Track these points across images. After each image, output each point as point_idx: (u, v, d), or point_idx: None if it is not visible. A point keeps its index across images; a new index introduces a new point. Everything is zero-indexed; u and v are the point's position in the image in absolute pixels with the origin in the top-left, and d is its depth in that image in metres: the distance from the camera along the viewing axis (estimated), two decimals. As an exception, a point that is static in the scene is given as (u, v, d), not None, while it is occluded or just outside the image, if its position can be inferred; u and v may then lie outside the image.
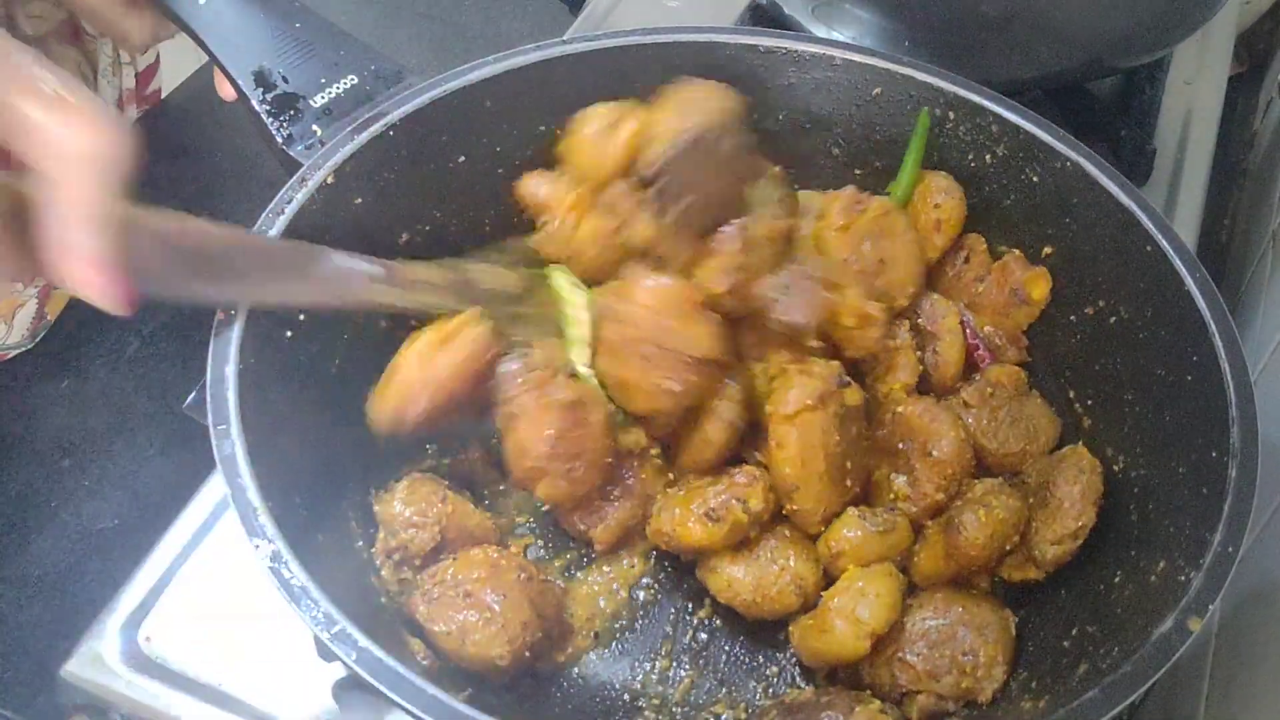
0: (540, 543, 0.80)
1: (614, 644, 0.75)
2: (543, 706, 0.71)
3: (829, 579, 0.72)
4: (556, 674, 0.74)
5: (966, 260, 0.86)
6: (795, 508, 0.72)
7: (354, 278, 0.69)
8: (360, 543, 0.73)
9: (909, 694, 0.68)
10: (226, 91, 0.80)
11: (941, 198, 0.85)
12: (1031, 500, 0.74)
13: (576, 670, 0.74)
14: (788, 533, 0.74)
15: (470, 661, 0.67)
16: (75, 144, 0.51)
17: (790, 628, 0.72)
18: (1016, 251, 0.85)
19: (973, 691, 0.67)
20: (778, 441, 0.71)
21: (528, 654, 0.68)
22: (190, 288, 0.62)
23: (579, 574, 0.78)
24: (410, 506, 0.72)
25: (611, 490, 0.77)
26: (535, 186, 0.81)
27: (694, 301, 0.72)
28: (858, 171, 0.91)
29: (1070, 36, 0.98)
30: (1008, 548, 0.72)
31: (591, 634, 0.75)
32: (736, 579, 0.72)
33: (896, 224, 0.82)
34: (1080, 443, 0.76)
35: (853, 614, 0.67)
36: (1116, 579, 0.69)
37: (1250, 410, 0.65)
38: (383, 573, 0.72)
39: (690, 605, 0.77)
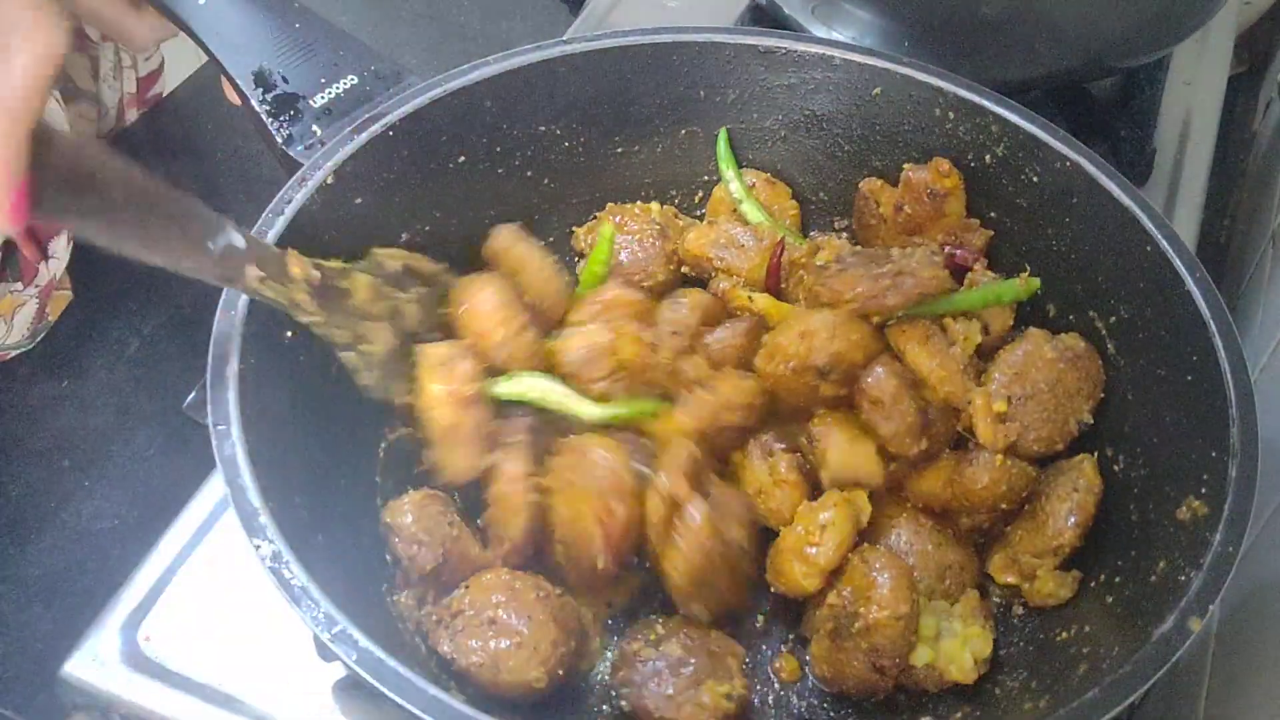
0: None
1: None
2: (543, 707, 0.70)
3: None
4: (578, 681, 0.73)
5: (878, 205, 0.86)
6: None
7: (239, 262, 0.65)
8: (363, 541, 0.73)
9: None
10: (234, 97, 0.80)
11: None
12: (1025, 507, 0.74)
13: (596, 676, 0.74)
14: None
15: (506, 689, 0.66)
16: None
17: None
18: (905, 165, 0.85)
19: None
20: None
21: (561, 671, 0.67)
22: (63, 214, 0.57)
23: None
24: (419, 523, 0.71)
25: None
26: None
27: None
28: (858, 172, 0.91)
29: (1070, 36, 0.98)
30: (1003, 506, 0.73)
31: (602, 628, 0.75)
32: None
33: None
34: (1094, 454, 0.75)
35: (803, 553, 0.70)
36: (1116, 579, 0.69)
37: (1250, 410, 0.65)
38: (399, 597, 0.72)
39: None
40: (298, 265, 0.69)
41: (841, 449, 0.73)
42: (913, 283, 0.72)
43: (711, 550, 0.69)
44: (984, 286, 0.79)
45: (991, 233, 0.85)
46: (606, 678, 0.73)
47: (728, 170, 0.91)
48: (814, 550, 0.69)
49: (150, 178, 0.61)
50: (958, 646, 0.70)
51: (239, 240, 0.65)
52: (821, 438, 0.73)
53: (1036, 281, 0.77)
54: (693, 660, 0.68)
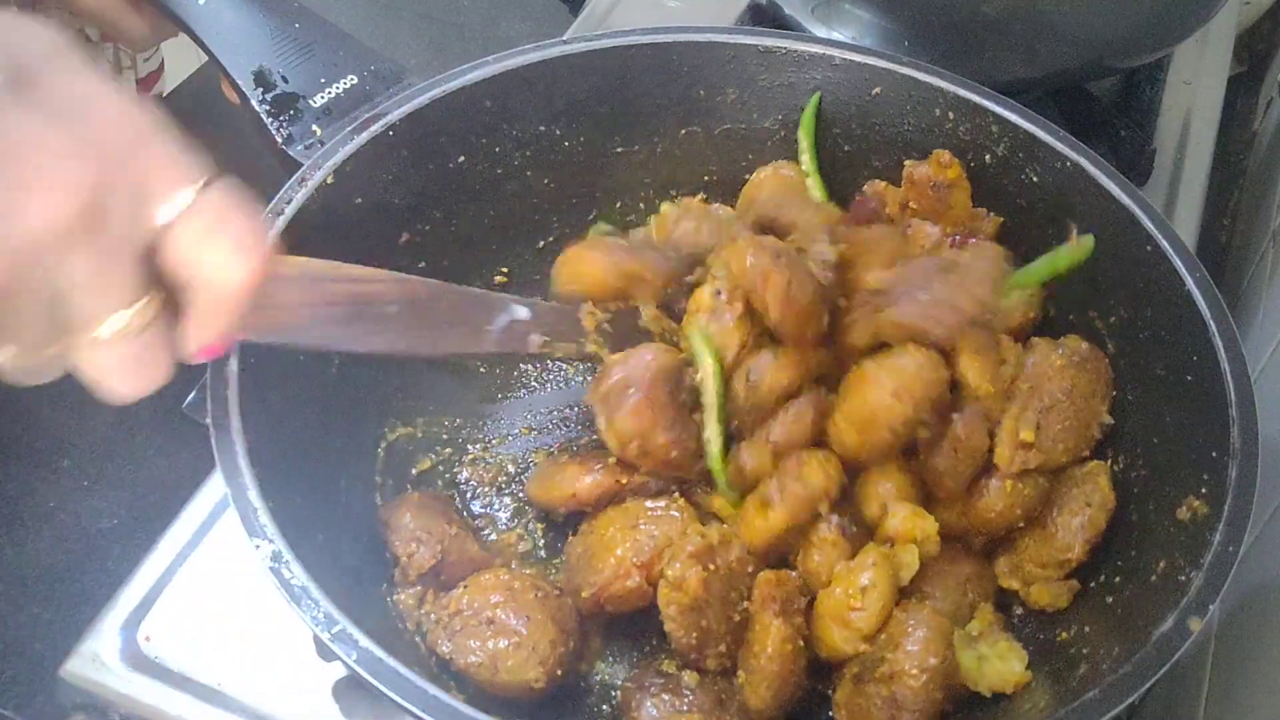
0: (541, 543, 0.80)
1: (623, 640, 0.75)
2: (542, 707, 0.71)
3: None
4: (578, 681, 0.73)
5: (884, 206, 0.86)
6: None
7: (521, 332, 0.69)
8: (362, 541, 0.73)
9: None
10: (234, 97, 0.80)
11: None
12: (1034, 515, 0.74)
13: (596, 676, 0.74)
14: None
15: (504, 689, 0.66)
16: (224, 274, 0.50)
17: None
18: (906, 162, 0.84)
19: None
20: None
21: (559, 671, 0.67)
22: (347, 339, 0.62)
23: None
24: (418, 521, 0.71)
25: None
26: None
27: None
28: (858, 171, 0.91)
29: (1070, 36, 0.98)
30: (1020, 525, 0.72)
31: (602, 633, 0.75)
32: None
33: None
34: (1107, 461, 0.74)
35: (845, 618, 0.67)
36: (1116, 579, 0.69)
37: (1250, 410, 0.65)
38: (400, 595, 0.72)
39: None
40: (590, 318, 0.72)
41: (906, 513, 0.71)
42: (953, 315, 0.69)
43: (792, 659, 0.66)
44: (1039, 260, 0.76)
45: (1002, 219, 0.84)
46: (606, 678, 0.73)
47: (805, 139, 0.88)
48: (857, 615, 0.66)
49: (410, 280, 0.65)
50: (1000, 664, 0.68)
51: (522, 312, 0.69)
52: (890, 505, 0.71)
53: (1090, 239, 0.72)
54: (696, 696, 0.67)
